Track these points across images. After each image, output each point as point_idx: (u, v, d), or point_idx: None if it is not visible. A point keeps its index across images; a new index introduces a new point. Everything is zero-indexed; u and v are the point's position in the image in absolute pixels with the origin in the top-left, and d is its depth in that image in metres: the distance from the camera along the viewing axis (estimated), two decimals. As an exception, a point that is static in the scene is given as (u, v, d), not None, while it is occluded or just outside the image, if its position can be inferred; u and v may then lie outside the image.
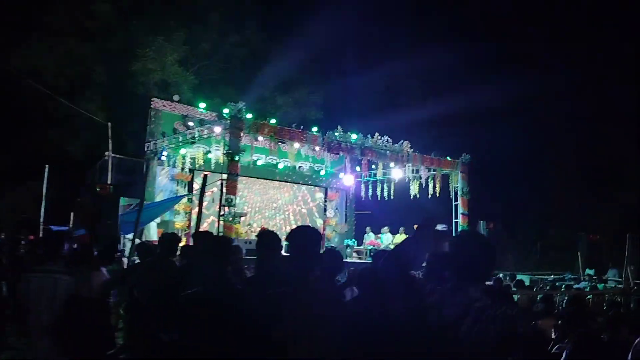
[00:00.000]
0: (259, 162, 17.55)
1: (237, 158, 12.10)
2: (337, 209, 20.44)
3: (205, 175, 9.83)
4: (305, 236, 2.86)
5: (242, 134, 12.40)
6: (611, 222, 23.49)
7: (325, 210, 20.07)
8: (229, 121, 12.28)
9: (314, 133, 13.67)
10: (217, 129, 13.03)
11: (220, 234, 12.34)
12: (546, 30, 27.06)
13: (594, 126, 25.17)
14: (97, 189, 11.22)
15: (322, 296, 2.65)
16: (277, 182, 18.80)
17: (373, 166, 17.44)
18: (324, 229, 19.74)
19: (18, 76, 16.04)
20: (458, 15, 25.46)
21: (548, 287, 9.81)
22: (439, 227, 2.43)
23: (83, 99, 17.11)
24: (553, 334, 6.60)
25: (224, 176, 12.18)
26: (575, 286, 12.86)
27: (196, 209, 16.54)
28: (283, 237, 3.62)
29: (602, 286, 12.87)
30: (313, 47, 21.31)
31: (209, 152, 15.49)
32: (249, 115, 12.89)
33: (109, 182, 16.85)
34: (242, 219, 14.55)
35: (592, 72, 25.68)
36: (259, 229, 15.13)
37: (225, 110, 12.21)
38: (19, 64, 16.05)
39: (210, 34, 19.26)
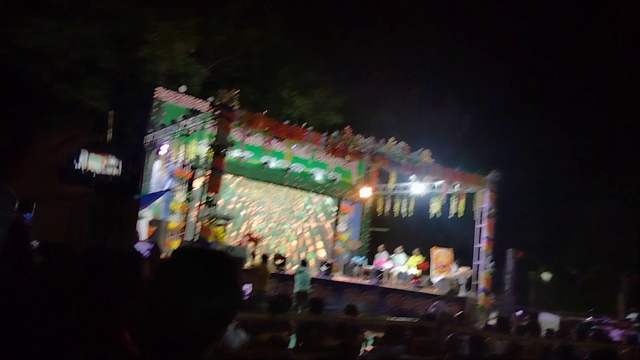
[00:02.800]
0: (268, 165, 16.13)
1: (223, 152, 10.72)
2: (350, 223, 18.72)
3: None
4: None
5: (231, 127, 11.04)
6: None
7: (337, 223, 18.37)
8: (218, 111, 10.93)
9: (317, 132, 12.15)
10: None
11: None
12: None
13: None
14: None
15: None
16: (286, 187, 17.30)
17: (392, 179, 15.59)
18: (334, 244, 18.09)
19: (21, 57, 15.19)
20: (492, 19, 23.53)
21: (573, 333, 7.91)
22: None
23: (87, 85, 16.22)
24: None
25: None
26: (612, 333, 10.74)
27: (194, 210, 15.55)
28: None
29: (645, 337, 10.66)
30: (338, 49, 19.96)
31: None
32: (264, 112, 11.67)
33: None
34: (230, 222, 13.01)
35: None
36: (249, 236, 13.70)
37: (210, 98, 10.83)
38: (23, 44, 15.26)
39: (227, 26, 18.16)
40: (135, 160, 0.94)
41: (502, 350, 6.12)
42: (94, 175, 0.91)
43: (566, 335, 8.42)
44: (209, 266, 1.17)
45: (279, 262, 12.74)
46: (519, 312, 13.59)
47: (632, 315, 14.57)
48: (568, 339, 6.94)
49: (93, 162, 0.91)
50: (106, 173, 0.91)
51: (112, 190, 0.94)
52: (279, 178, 16.84)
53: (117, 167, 0.92)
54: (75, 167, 0.89)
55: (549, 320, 11.67)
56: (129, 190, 0.94)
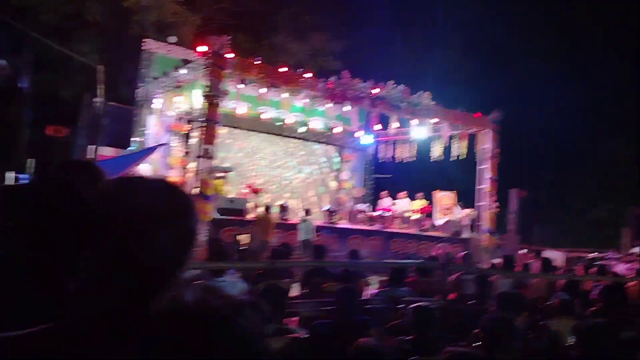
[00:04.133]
0: (264, 115, 15.74)
1: (216, 102, 10.41)
2: (353, 170, 18.53)
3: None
4: None
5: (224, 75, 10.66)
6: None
7: (339, 171, 18.20)
8: (210, 60, 10.52)
9: (314, 78, 11.77)
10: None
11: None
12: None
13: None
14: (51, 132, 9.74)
15: None
16: (286, 138, 17.02)
17: (398, 124, 15.08)
18: (338, 193, 17.98)
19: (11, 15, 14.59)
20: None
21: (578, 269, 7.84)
22: None
23: (76, 40, 15.70)
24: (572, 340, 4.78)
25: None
26: (618, 267, 10.72)
27: (193, 165, 15.35)
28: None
29: (651, 270, 10.62)
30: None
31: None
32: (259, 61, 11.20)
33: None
34: (226, 174, 12.83)
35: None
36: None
37: (202, 47, 10.40)
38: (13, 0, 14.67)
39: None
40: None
41: (507, 289, 6.04)
42: None
43: (571, 271, 8.37)
44: (149, 198, 0.95)
45: (282, 212, 12.66)
46: (524, 251, 13.60)
47: (637, 249, 14.58)
48: (573, 275, 6.86)
49: None
50: None
51: None
52: (277, 128, 16.51)
53: None
54: None
55: (553, 257, 11.62)
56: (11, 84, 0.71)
